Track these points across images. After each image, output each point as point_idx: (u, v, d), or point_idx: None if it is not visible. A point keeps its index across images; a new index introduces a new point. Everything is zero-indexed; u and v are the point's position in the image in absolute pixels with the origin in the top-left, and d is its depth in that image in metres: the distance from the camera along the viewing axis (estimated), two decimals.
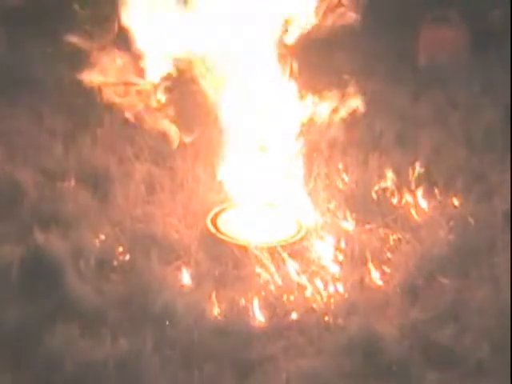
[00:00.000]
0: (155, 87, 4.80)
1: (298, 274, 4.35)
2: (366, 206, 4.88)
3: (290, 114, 4.73)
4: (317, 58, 6.17)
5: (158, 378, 3.75)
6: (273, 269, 4.36)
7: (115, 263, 4.43)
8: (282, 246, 4.46)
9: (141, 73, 4.71)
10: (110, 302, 4.13)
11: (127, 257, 4.48)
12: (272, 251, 4.43)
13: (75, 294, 4.12)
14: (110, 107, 5.00)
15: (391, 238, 4.65)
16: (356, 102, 4.85)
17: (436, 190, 5.03)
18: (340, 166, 5.21)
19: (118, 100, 4.89)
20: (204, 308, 4.12)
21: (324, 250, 4.53)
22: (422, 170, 5.18)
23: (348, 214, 4.81)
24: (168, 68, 4.71)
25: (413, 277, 4.33)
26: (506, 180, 5.03)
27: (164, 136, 4.99)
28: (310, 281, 4.32)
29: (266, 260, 4.38)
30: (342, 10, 4.66)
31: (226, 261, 4.41)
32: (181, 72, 4.74)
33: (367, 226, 4.71)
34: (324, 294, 4.26)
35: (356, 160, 5.25)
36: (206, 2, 4.55)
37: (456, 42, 6.64)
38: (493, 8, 6.79)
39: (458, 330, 3.99)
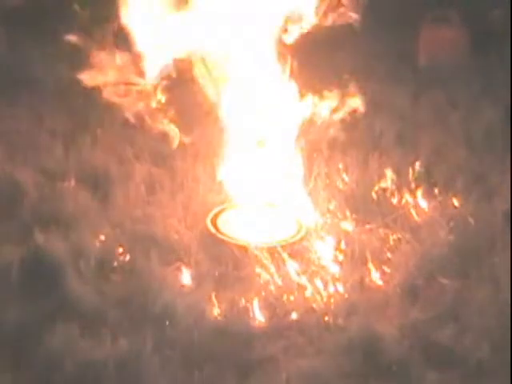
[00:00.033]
0: (155, 87, 4.80)
1: (298, 274, 4.35)
2: (366, 206, 4.88)
3: (289, 113, 4.73)
4: (317, 57, 6.16)
5: (158, 378, 3.75)
6: (273, 269, 4.36)
7: (115, 263, 4.43)
8: (282, 246, 4.46)
9: (141, 73, 4.71)
10: (110, 303, 4.13)
11: (127, 257, 4.47)
12: (272, 251, 4.43)
13: (75, 294, 4.12)
14: (110, 107, 4.99)
15: (391, 238, 4.65)
16: (356, 102, 4.85)
17: (436, 190, 5.03)
18: (340, 166, 5.21)
19: (117, 100, 4.89)
20: (204, 308, 4.12)
21: (324, 250, 4.53)
22: (422, 170, 5.18)
23: (348, 214, 4.81)
24: (168, 68, 4.71)
25: (413, 277, 4.33)
26: (506, 180, 5.03)
27: (164, 136, 4.99)
28: (310, 281, 4.32)
29: (266, 260, 4.38)
30: (341, 9, 4.66)
31: (226, 261, 4.41)
32: (181, 72, 4.74)
33: (367, 226, 4.71)
34: (324, 294, 4.26)
35: (356, 160, 5.25)
36: (205, 2, 4.55)
37: (456, 42, 6.64)
38: (493, 8, 6.79)
39: (458, 330, 3.99)
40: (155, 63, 4.66)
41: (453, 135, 5.63)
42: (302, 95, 4.75)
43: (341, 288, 4.30)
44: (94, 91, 4.87)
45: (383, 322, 4.04)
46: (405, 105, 6.01)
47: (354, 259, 4.47)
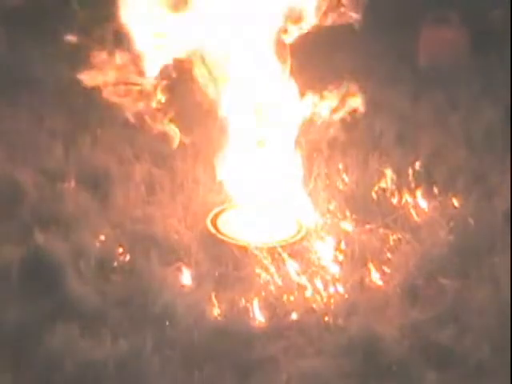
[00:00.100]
0: (155, 87, 4.79)
1: (298, 274, 4.35)
2: (366, 207, 4.88)
3: (289, 113, 4.73)
4: (317, 57, 6.17)
5: (158, 378, 3.75)
6: (273, 269, 4.36)
7: (115, 264, 4.43)
8: (282, 247, 4.46)
9: (141, 73, 4.70)
10: (110, 303, 4.13)
11: (127, 257, 4.47)
12: (272, 251, 4.43)
13: (75, 295, 4.12)
14: (110, 107, 4.99)
15: (391, 238, 4.65)
16: (356, 102, 4.85)
17: (436, 191, 5.03)
18: (340, 166, 5.21)
19: (117, 100, 4.88)
20: (204, 308, 4.12)
21: (324, 251, 4.53)
22: (422, 170, 5.19)
23: (348, 214, 4.82)
24: (168, 68, 4.71)
25: (413, 277, 4.33)
26: (506, 180, 5.03)
27: (164, 136, 4.99)
28: (310, 281, 4.32)
29: (266, 260, 4.38)
30: (341, 9, 4.66)
31: (226, 261, 4.41)
32: (181, 72, 4.74)
33: (367, 227, 4.71)
34: (324, 294, 4.26)
35: (356, 160, 5.25)
36: (205, 2, 4.55)
37: (456, 43, 6.65)
38: (493, 8, 6.79)
39: (458, 330, 3.99)
40: (155, 63, 4.66)
41: (453, 135, 5.63)
42: (301, 95, 4.75)
43: (341, 288, 4.30)
44: (94, 91, 4.87)
45: (383, 323, 4.04)
46: (405, 105, 6.02)
47: (354, 259, 4.47)
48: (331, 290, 4.29)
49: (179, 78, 4.81)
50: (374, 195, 4.98)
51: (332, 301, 4.23)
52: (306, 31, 4.68)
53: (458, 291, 4.23)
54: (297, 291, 4.27)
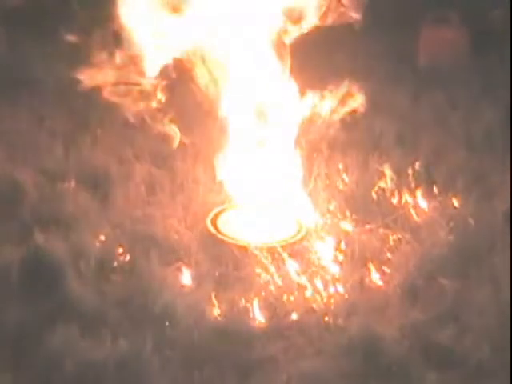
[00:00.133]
0: (155, 87, 4.79)
1: (298, 274, 4.35)
2: (366, 207, 4.88)
3: (289, 113, 4.73)
4: (317, 57, 6.17)
5: (158, 378, 3.75)
6: (273, 269, 4.36)
7: (115, 264, 4.43)
8: (282, 247, 4.47)
9: (141, 73, 4.70)
10: (110, 303, 4.13)
11: (127, 257, 4.47)
12: (272, 251, 4.43)
13: (75, 295, 4.12)
14: (110, 107, 4.99)
15: (391, 238, 4.65)
16: (356, 102, 4.85)
17: (436, 191, 5.03)
18: (340, 166, 5.21)
19: (118, 100, 4.88)
20: (204, 308, 4.12)
21: (324, 251, 4.53)
22: (422, 171, 5.18)
23: (348, 214, 4.82)
24: (168, 68, 4.71)
25: (413, 277, 4.33)
26: (506, 180, 5.03)
27: (164, 136, 4.99)
28: (310, 281, 4.32)
29: (266, 260, 4.39)
30: (341, 9, 4.66)
31: (226, 261, 4.41)
32: (181, 72, 4.74)
33: (367, 227, 4.71)
34: (324, 294, 4.26)
35: (356, 160, 5.25)
36: (206, 2, 4.54)
37: (456, 43, 6.64)
38: (493, 8, 6.79)
39: (458, 330, 3.99)
40: (155, 63, 4.66)
41: (453, 135, 5.63)
42: (301, 95, 4.75)
43: (341, 288, 4.30)
44: (94, 91, 4.87)
45: (383, 323, 4.04)
46: (405, 105, 6.01)
47: (354, 259, 4.47)
48: (331, 290, 4.29)
49: (179, 78, 4.81)
50: (373, 195, 4.98)
51: (332, 301, 4.23)
52: (306, 31, 4.68)
53: (458, 291, 4.23)
54: (297, 291, 4.27)
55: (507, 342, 3.90)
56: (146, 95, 4.81)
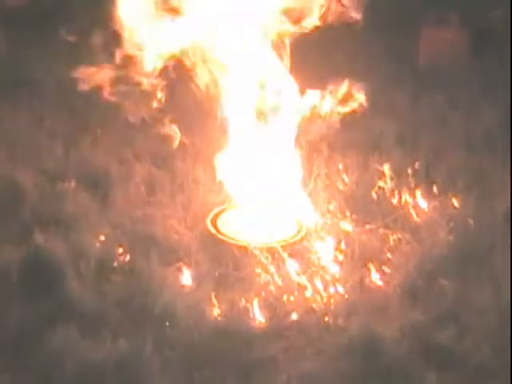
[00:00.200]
0: (155, 87, 4.79)
1: (298, 274, 4.36)
2: (366, 207, 4.88)
3: (289, 114, 4.73)
4: (317, 57, 6.16)
5: (158, 378, 3.75)
6: (273, 269, 4.36)
7: (115, 264, 4.44)
8: (282, 247, 4.47)
9: (141, 73, 4.70)
10: (110, 303, 4.13)
11: (127, 258, 4.48)
12: (272, 251, 4.43)
13: (75, 295, 4.12)
14: (110, 108, 4.99)
15: (391, 238, 4.65)
16: (356, 102, 4.84)
17: (436, 191, 5.03)
18: (340, 166, 5.21)
19: (118, 101, 4.88)
20: (204, 309, 4.12)
21: (324, 251, 4.53)
22: (422, 171, 5.18)
23: (348, 214, 4.82)
24: (168, 68, 4.70)
25: (413, 277, 4.33)
26: (506, 180, 5.03)
27: (164, 137, 4.99)
28: (310, 281, 4.32)
29: (266, 260, 4.39)
30: (341, 9, 4.66)
31: (226, 261, 4.41)
32: (181, 72, 4.74)
33: (367, 227, 4.72)
34: (324, 294, 4.26)
35: (356, 160, 5.25)
36: (206, 2, 4.54)
37: (456, 43, 6.64)
38: (493, 8, 6.79)
39: (458, 331, 3.99)
40: (155, 63, 4.66)
41: (453, 135, 5.63)
42: (301, 95, 4.75)
43: (341, 288, 4.30)
44: (94, 91, 4.86)
45: (383, 323, 4.04)
46: (405, 105, 6.01)
47: (354, 260, 4.47)
48: (331, 290, 4.29)
49: (179, 78, 4.80)
50: (373, 195, 4.99)
51: (332, 301, 4.23)
52: (306, 31, 4.67)
53: (458, 291, 4.23)
54: (297, 291, 4.27)
55: (507, 342, 3.90)
56: (146, 95, 4.81)
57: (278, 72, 4.68)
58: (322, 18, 4.65)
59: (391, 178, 5.09)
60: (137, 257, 4.45)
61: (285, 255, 4.42)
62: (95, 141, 5.51)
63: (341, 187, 5.08)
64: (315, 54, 6.12)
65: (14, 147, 5.39)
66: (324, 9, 4.64)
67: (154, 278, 4.26)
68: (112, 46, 4.70)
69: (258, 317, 4.13)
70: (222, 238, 4.57)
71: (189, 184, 5.06)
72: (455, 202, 4.93)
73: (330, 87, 4.78)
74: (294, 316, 4.15)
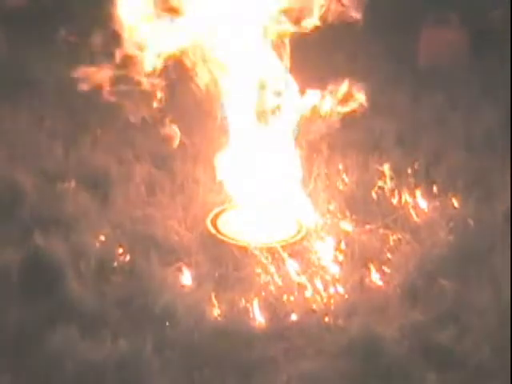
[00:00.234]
0: (155, 87, 4.79)
1: (298, 274, 4.36)
2: (366, 207, 4.88)
3: (289, 114, 4.73)
4: (317, 57, 6.16)
5: (158, 378, 3.75)
6: (273, 269, 4.36)
7: (115, 264, 4.44)
8: (282, 247, 4.47)
9: (141, 73, 4.70)
10: (110, 303, 4.13)
11: (127, 258, 4.48)
12: (272, 252, 4.43)
13: (75, 295, 4.13)
14: (110, 108, 4.99)
15: (391, 238, 4.65)
16: (356, 102, 4.84)
17: (436, 191, 5.03)
18: (340, 166, 5.21)
19: (118, 100, 4.88)
20: (204, 309, 4.12)
21: (324, 251, 4.54)
22: (422, 171, 5.19)
23: (348, 214, 4.82)
24: (168, 68, 4.70)
25: (413, 277, 4.33)
26: (506, 180, 5.03)
27: (164, 137, 4.99)
28: (310, 281, 4.32)
29: (266, 261, 4.39)
30: (341, 9, 4.66)
31: (226, 262, 4.41)
32: (181, 72, 4.74)
33: (367, 227, 4.72)
34: (324, 294, 4.27)
35: (356, 160, 5.25)
36: (206, 2, 4.54)
37: (456, 43, 6.64)
38: (493, 8, 6.79)
39: (458, 331, 3.99)
40: (154, 63, 4.66)
41: (453, 136, 5.63)
42: (301, 95, 4.75)
43: (341, 289, 4.30)
44: (94, 91, 4.86)
45: (383, 323, 4.04)
46: (405, 105, 6.02)
47: (354, 260, 4.48)
48: (331, 290, 4.30)
49: (179, 78, 4.80)
50: (373, 195, 4.99)
51: (332, 301, 4.24)
52: (306, 31, 4.67)
53: (458, 292, 4.23)
54: (297, 292, 4.27)
55: (507, 342, 3.90)
56: (146, 95, 4.81)
57: (278, 72, 4.68)
58: (322, 18, 4.65)
59: (391, 178, 5.09)
60: (137, 257, 4.45)
61: (285, 255, 4.42)
62: (95, 141, 5.51)
63: (341, 187, 5.08)
64: (315, 54, 6.12)
65: (13, 147, 5.39)
66: (324, 9, 4.64)
67: (153, 278, 4.26)
68: (112, 46, 4.70)
69: (258, 317, 4.13)
70: (222, 238, 4.57)
71: (189, 184, 5.06)
72: (455, 202, 4.93)
73: (330, 87, 4.78)
74: (294, 316, 4.15)
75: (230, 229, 4.65)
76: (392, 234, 4.67)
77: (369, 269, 4.42)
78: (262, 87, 4.67)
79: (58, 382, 3.73)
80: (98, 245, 4.54)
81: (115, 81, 4.78)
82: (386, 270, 4.44)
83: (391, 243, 4.63)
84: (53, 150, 5.37)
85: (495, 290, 4.22)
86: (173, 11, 4.57)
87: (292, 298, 4.24)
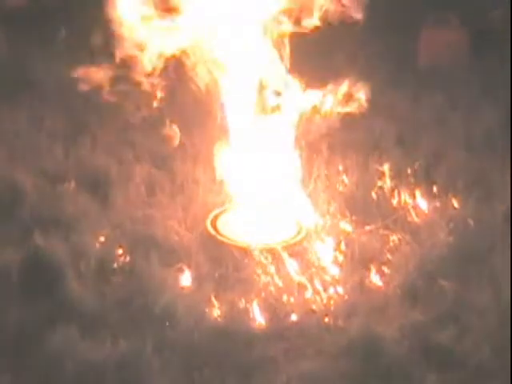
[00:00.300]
0: (155, 87, 4.79)
1: (298, 275, 4.35)
2: (366, 208, 4.88)
3: (289, 114, 4.73)
4: (317, 57, 6.16)
5: (158, 379, 3.76)
6: (273, 270, 4.36)
7: (115, 265, 4.44)
8: (282, 247, 4.47)
9: (140, 73, 4.70)
10: (110, 304, 4.13)
11: (127, 258, 4.48)
12: (272, 252, 4.43)
13: (75, 295, 4.13)
14: (110, 108, 4.99)
15: (391, 239, 4.65)
16: (356, 102, 4.84)
17: (436, 192, 5.03)
18: (340, 167, 5.21)
19: (117, 101, 4.88)
20: (204, 309, 4.12)
21: (324, 252, 4.54)
22: (422, 171, 5.18)
23: (348, 215, 4.81)
24: (168, 68, 4.70)
25: (413, 278, 4.34)
26: (506, 180, 5.03)
27: (164, 137, 4.99)
28: (310, 282, 4.32)
29: (266, 261, 4.39)
30: (341, 9, 4.65)
31: (226, 262, 4.41)
32: (181, 72, 4.74)
33: (367, 228, 4.72)
34: (324, 295, 4.27)
35: (356, 161, 5.25)
36: (206, 2, 4.54)
37: (456, 43, 6.64)
38: (493, 8, 6.79)
39: (458, 331, 3.99)
40: (154, 63, 4.66)
41: (452, 136, 5.63)
42: (301, 95, 4.75)
43: (341, 289, 4.31)
44: (94, 91, 4.86)
45: (383, 323, 4.05)
46: (405, 105, 6.01)
47: (354, 260, 4.48)
48: (331, 290, 4.30)
49: (179, 78, 4.80)
50: (373, 196, 4.99)
51: (332, 302, 4.24)
52: (306, 31, 4.67)
53: (458, 292, 4.24)
54: (297, 292, 4.27)
55: (507, 342, 3.90)
56: (146, 95, 4.81)
57: (278, 72, 4.67)
58: (322, 18, 4.65)
59: (391, 179, 5.09)
60: (137, 257, 4.45)
61: (285, 256, 4.42)
62: (95, 141, 5.50)
63: (341, 188, 5.08)
64: (315, 54, 6.12)
65: (13, 147, 5.39)
66: (324, 9, 4.64)
67: (153, 279, 4.26)
68: (112, 46, 4.70)
69: (258, 317, 4.13)
70: (222, 239, 4.57)
71: (189, 184, 5.05)
72: (455, 203, 4.93)
73: (330, 87, 4.78)
74: (294, 317, 4.15)
75: (230, 229, 4.65)
76: (392, 235, 4.67)
77: (369, 269, 4.42)
78: (262, 87, 4.67)
79: (58, 382, 3.73)
80: (97, 245, 4.55)
81: (115, 81, 4.79)
82: (386, 270, 4.44)
83: (391, 244, 4.63)
84: (53, 150, 5.37)
85: (495, 290, 4.22)
86: (173, 11, 4.57)
87: (292, 299, 4.24)
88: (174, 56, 4.64)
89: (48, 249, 4.30)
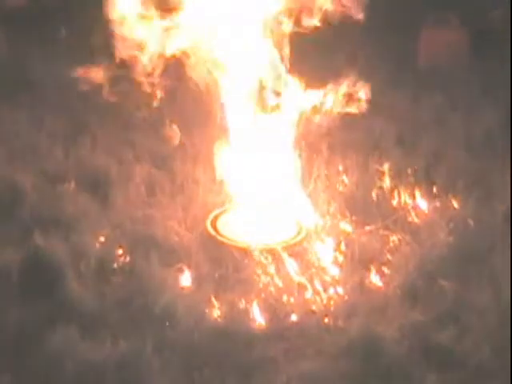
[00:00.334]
0: (155, 87, 4.79)
1: (298, 275, 4.35)
2: (366, 208, 4.88)
3: (289, 114, 4.73)
4: (317, 58, 6.16)
5: (158, 379, 3.76)
6: (273, 270, 4.36)
7: (115, 265, 4.44)
8: (282, 248, 4.47)
9: (140, 73, 4.70)
10: (110, 304, 4.13)
11: (127, 258, 4.48)
12: (272, 253, 4.43)
13: (75, 296, 4.13)
14: (110, 108, 4.99)
15: (391, 239, 4.65)
16: (356, 102, 4.84)
17: (436, 192, 5.03)
18: (340, 167, 5.21)
19: (117, 101, 4.88)
20: (204, 310, 4.12)
21: (324, 252, 4.54)
22: (422, 172, 5.18)
23: (348, 215, 4.81)
24: (168, 68, 4.71)
25: (413, 278, 4.33)
26: (506, 180, 5.03)
27: (164, 137, 4.99)
28: (310, 282, 4.32)
29: (266, 262, 4.39)
30: (342, 9, 4.66)
31: (226, 263, 4.41)
32: (181, 72, 4.74)
33: (367, 228, 4.72)
34: (324, 295, 4.27)
35: (356, 161, 5.25)
36: (206, 2, 4.54)
37: (456, 44, 6.65)
38: (493, 8, 6.79)
39: (458, 331, 4.00)
40: (154, 63, 4.66)
41: (452, 136, 5.63)
42: (301, 95, 4.75)
43: (341, 289, 4.31)
44: (94, 91, 4.86)
45: (383, 324, 4.05)
46: (405, 105, 6.02)
47: (354, 261, 4.48)
48: (331, 291, 4.30)
49: (179, 78, 4.80)
50: (373, 196, 4.98)
51: (332, 302, 4.24)
52: (306, 31, 4.67)
53: (458, 292, 4.24)
54: (297, 292, 4.27)
55: (507, 342, 3.90)
56: (146, 95, 4.81)
57: (278, 72, 4.67)
58: (322, 18, 4.65)
59: (391, 179, 5.09)
60: (137, 258, 4.45)
61: (285, 256, 4.42)
62: (95, 141, 5.50)
63: (341, 188, 5.08)
64: (315, 54, 6.12)
65: (13, 148, 5.39)
66: (324, 9, 4.64)
67: (153, 279, 4.26)
68: (112, 46, 4.70)
69: (258, 318, 4.13)
70: (222, 239, 4.57)
71: (189, 184, 5.05)
72: (455, 203, 4.93)
73: (330, 87, 4.78)
74: (294, 317, 4.15)
75: (230, 230, 4.65)
76: (392, 235, 4.67)
77: (369, 270, 4.42)
78: (262, 87, 4.67)
79: (58, 382, 3.73)
80: (97, 245, 4.55)
81: (115, 81, 4.79)
82: (386, 270, 4.44)
83: (391, 244, 4.63)
84: (53, 150, 5.37)
85: (495, 290, 4.23)
86: (173, 11, 4.57)
87: (292, 299, 4.24)
88: (174, 56, 4.64)
89: (48, 249, 4.30)
